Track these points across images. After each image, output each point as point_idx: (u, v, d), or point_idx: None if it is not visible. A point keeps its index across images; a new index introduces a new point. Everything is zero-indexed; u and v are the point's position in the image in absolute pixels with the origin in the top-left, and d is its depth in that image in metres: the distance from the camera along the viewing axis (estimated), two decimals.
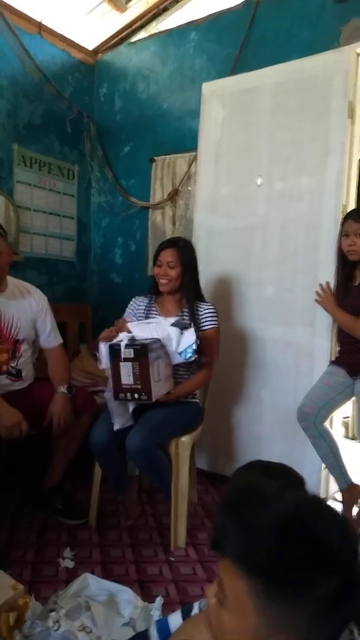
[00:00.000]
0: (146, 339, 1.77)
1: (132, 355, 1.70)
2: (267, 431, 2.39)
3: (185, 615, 0.97)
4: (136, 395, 1.72)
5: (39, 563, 1.77)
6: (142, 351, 1.69)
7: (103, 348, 1.80)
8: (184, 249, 1.99)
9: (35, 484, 2.16)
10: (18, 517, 2.09)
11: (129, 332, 1.84)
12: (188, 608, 0.99)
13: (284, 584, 0.59)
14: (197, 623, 0.85)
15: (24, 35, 2.87)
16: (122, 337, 1.76)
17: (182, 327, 1.89)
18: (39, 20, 2.97)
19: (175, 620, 0.98)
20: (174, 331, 1.87)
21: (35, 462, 2.24)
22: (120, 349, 1.71)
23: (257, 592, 0.60)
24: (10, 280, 2.05)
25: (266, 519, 0.60)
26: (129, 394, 1.73)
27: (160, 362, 1.77)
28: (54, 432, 1.91)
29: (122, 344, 1.71)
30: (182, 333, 1.87)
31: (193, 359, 1.84)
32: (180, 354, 1.85)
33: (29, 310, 2.05)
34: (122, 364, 1.71)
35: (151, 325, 1.91)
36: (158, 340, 1.80)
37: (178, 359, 1.86)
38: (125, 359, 1.70)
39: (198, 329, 1.96)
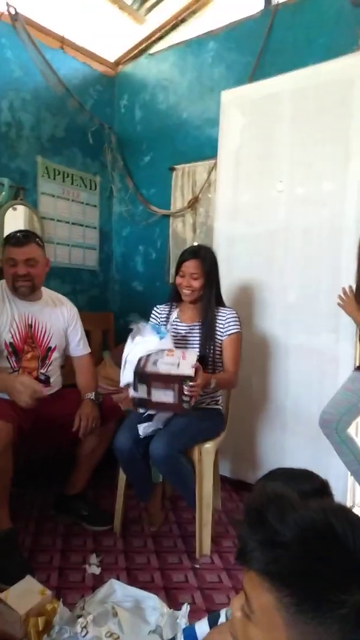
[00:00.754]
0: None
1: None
2: (290, 439, 2.37)
3: (212, 623, 0.98)
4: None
5: (65, 568, 1.79)
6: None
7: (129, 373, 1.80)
8: (206, 259, 2.00)
9: (58, 490, 2.18)
10: (42, 522, 2.11)
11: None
12: (215, 616, 0.99)
13: (312, 596, 0.57)
14: (223, 632, 0.85)
15: (47, 50, 2.95)
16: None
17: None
18: (62, 35, 3.05)
19: (202, 628, 0.99)
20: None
21: (58, 467, 2.26)
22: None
23: (286, 605, 0.58)
24: (44, 290, 2.12)
25: (291, 528, 0.59)
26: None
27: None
28: (81, 433, 1.93)
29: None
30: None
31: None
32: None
33: (61, 319, 2.11)
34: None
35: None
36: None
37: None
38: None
39: (213, 336, 2.00)
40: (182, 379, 1.71)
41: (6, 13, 2.69)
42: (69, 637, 1.34)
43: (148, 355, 1.79)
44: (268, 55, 2.69)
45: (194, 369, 1.73)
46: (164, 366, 1.75)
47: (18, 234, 1.99)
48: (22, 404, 1.73)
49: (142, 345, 1.83)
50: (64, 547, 1.93)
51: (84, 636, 1.33)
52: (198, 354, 1.88)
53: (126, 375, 1.82)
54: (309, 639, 0.59)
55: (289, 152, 2.33)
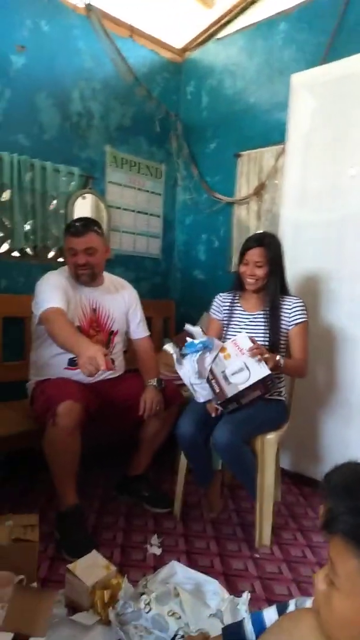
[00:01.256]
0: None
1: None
2: (355, 435, 2.29)
3: (281, 611, 0.97)
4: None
5: (127, 547, 1.84)
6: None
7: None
8: (270, 246, 1.97)
9: (121, 471, 2.25)
10: (106, 501, 2.19)
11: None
12: (284, 605, 0.98)
13: None
14: (294, 618, 0.84)
15: (117, 39, 2.98)
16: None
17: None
18: (131, 24, 3.07)
19: (270, 615, 0.98)
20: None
21: (121, 449, 2.33)
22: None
23: None
24: (106, 275, 2.17)
25: None
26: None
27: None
28: (145, 415, 1.98)
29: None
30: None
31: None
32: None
33: (122, 303, 2.16)
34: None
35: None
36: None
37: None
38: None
39: (279, 324, 1.99)
40: (263, 380, 1.74)
41: (81, 5, 2.74)
42: (132, 612, 1.38)
43: (213, 375, 1.80)
44: (343, 34, 2.57)
45: (263, 363, 1.75)
46: (238, 378, 1.77)
47: (77, 224, 2.03)
48: (84, 372, 1.62)
49: (192, 366, 1.84)
50: (126, 527, 1.99)
51: (147, 612, 1.37)
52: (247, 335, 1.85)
53: (202, 394, 1.88)
54: None
55: None
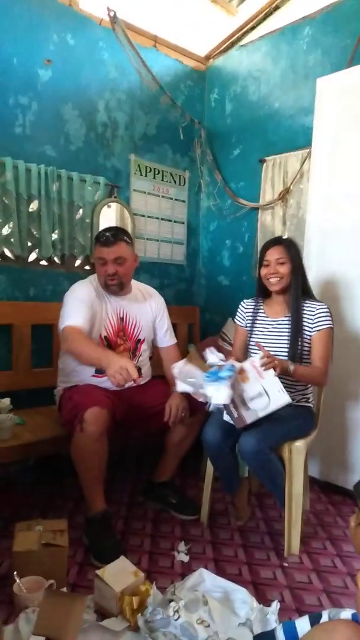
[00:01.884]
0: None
1: None
2: None
3: (314, 622, 0.96)
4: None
5: (155, 553, 1.85)
6: None
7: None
8: (290, 245, 1.97)
9: (146, 477, 2.26)
10: (133, 507, 2.20)
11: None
12: (317, 616, 0.97)
13: None
14: (328, 630, 0.83)
15: (141, 50, 3.02)
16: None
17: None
18: (154, 34, 3.11)
19: (302, 625, 0.97)
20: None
21: (146, 455, 2.34)
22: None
23: None
24: (134, 283, 2.20)
25: None
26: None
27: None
28: (171, 421, 1.98)
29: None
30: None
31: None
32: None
33: (150, 312, 2.18)
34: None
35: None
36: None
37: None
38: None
39: (302, 329, 1.95)
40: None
41: (106, 18, 2.79)
42: (161, 618, 1.38)
43: (234, 404, 1.74)
44: None
45: (283, 391, 1.73)
46: (257, 404, 1.74)
47: (107, 233, 2.04)
48: (114, 382, 1.65)
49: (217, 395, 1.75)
50: (154, 533, 2.00)
51: (176, 620, 1.36)
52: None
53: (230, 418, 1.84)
54: None
55: None
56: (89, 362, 1.83)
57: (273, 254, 1.96)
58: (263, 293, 2.08)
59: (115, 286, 2.05)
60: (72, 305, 1.97)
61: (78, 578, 1.68)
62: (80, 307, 1.96)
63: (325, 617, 0.95)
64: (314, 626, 0.95)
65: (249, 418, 1.74)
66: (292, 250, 1.96)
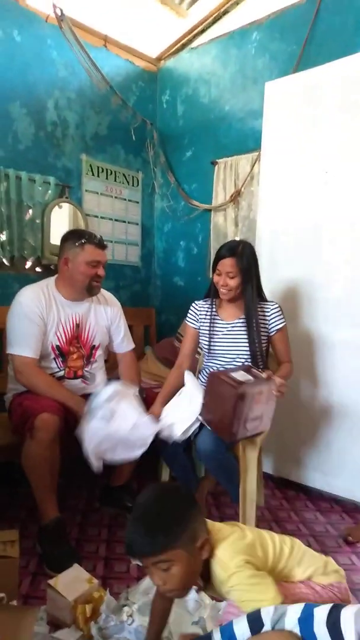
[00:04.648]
0: None
1: None
2: (337, 437, 2.32)
3: (253, 626, 0.96)
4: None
5: (111, 559, 1.82)
6: None
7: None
8: (243, 256, 1.93)
9: (103, 482, 2.23)
10: (88, 514, 2.17)
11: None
12: (256, 618, 0.97)
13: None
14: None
15: (91, 49, 2.99)
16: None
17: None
18: (104, 34, 3.08)
19: (241, 627, 0.97)
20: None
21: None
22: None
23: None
24: None
25: None
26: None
27: None
28: None
29: None
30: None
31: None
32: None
33: (105, 317, 2.15)
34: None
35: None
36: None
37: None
38: None
39: (260, 331, 1.98)
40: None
41: (53, 15, 2.74)
42: (114, 625, 1.37)
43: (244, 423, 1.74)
44: (314, 44, 2.62)
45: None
46: (252, 425, 1.77)
47: (98, 236, 2.02)
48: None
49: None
50: (109, 538, 1.97)
51: (130, 624, 1.35)
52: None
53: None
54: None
55: (337, 143, 2.26)
56: (55, 399, 1.84)
57: (225, 266, 1.93)
58: (216, 294, 2.09)
59: (98, 289, 2.05)
60: (20, 329, 1.91)
61: (31, 589, 1.63)
62: (29, 330, 1.90)
63: (267, 624, 0.95)
64: (251, 625, 0.96)
65: (241, 435, 1.75)
66: (244, 261, 1.93)
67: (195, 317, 2.12)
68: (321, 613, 0.92)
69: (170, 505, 1.12)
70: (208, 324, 2.07)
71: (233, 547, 1.15)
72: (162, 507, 1.12)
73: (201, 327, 2.10)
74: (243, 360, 1.98)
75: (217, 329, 2.06)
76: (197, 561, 1.11)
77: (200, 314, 2.11)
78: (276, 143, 2.49)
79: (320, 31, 2.59)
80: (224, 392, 1.66)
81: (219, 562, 1.13)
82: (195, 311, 2.13)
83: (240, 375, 1.72)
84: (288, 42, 2.73)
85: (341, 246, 2.27)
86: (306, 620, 0.92)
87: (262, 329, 1.99)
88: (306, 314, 2.41)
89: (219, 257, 1.97)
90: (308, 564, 1.23)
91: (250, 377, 1.73)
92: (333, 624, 0.90)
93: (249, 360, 1.98)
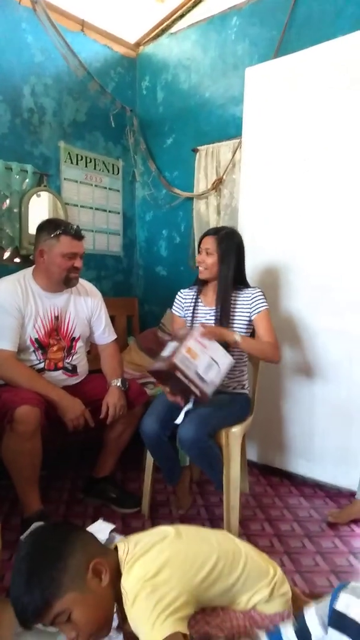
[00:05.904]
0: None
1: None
2: (319, 423, 2.34)
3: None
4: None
5: None
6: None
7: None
8: (224, 238, 1.97)
9: (87, 473, 2.21)
10: (72, 505, 2.15)
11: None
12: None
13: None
14: None
15: (68, 34, 2.92)
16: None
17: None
18: (82, 18, 3.01)
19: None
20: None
21: (87, 451, 2.30)
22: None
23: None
24: None
25: None
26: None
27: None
28: (108, 421, 1.95)
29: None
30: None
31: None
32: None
33: (85, 308, 2.11)
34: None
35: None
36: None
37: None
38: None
39: (228, 316, 1.98)
40: None
41: None
42: None
43: (190, 380, 1.71)
44: (294, 29, 2.60)
45: (224, 352, 1.78)
46: (211, 375, 1.75)
47: (74, 226, 1.96)
48: (71, 426, 1.83)
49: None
50: None
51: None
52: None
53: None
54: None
55: (317, 128, 2.25)
56: (35, 391, 1.81)
57: (205, 244, 1.99)
58: (201, 281, 2.09)
59: (76, 280, 2.00)
60: None
61: None
62: (6, 323, 1.87)
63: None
64: None
65: (210, 390, 1.74)
66: (223, 242, 1.96)
67: (180, 305, 2.12)
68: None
69: (39, 553, 1.00)
70: (192, 311, 2.07)
71: (143, 568, 0.99)
72: (31, 559, 0.99)
73: (186, 315, 2.09)
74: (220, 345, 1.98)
75: (200, 314, 2.06)
76: (97, 593, 0.98)
77: (185, 302, 2.11)
78: (257, 130, 2.47)
79: (300, 16, 2.57)
80: (164, 373, 1.72)
81: (123, 589, 0.99)
82: (181, 300, 2.13)
83: (169, 349, 1.76)
84: (268, 27, 2.70)
85: (322, 233, 2.27)
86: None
87: (244, 314, 1.99)
88: (288, 301, 2.41)
89: (202, 236, 2.03)
90: (255, 590, 1.10)
91: (175, 343, 1.75)
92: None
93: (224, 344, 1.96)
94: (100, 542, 1.09)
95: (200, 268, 2.01)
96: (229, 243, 1.97)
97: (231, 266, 1.97)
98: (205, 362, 1.75)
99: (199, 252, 2.03)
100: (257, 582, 1.11)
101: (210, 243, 1.96)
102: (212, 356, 1.76)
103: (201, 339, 1.77)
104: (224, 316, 1.96)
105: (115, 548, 1.09)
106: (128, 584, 0.98)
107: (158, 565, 0.99)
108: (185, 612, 0.95)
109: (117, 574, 1.03)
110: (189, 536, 1.12)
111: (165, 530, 1.13)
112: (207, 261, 1.97)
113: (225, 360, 1.78)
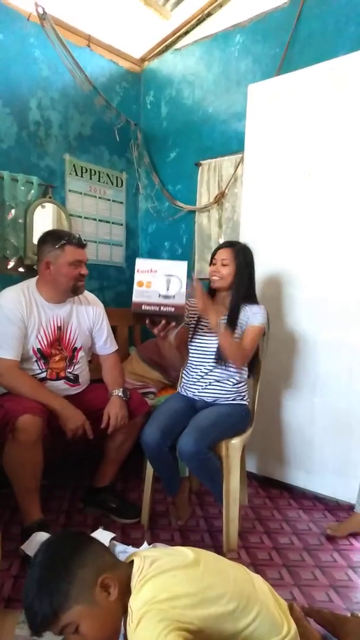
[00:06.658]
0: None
1: None
2: (319, 435, 2.35)
3: None
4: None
5: None
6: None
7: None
8: (240, 251, 2.04)
9: (87, 483, 2.22)
10: (72, 515, 2.16)
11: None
12: None
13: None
14: None
15: (74, 49, 2.98)
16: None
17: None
18: (88, 34, 3.07)
19: None
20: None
21: (87, 461, 2.30)
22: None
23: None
24: None
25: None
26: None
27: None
28: (109, 431, 1.96)
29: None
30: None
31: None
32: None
33: (87, 319, 2.13)
34: None
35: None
36: None
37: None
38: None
39: (235, 327, 1.99)
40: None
41: (35, 13, 2.72)
42: None
43: (163, 304, 1.74)
44: (296, 47, 2.65)
45: (175, 262, 1.76)
46: (174, 288, 1.73)
47: (76, 235, 2.01)
48: (71, 435, 1.85)
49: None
50: None
51: None
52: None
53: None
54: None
55: (318, 145, 2.29)
56: (38, 401, 1.83)
57: (220, 255, 2.05)
58: (210, 292, 2.12)
59: (83, 288, 2.04)
60: (0, 331, 1.89)
61: (13, 592, 1.61)
62: (9, 332, 1.89)
63: None
64: None
65: (181, 300, 1.71)
66: (239, 255, 2.03)
67: (186, 312, 2.13)
68: None
69: (50, 562, 1.01)
70: (196, 320, 2.10)
71: (152, 591, 0.96)
72: (42, 567, 1.00)
73: (190, 323, 2.12)
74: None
75: (203, 324, 2.08)
76: (105, 607, 0.98)
77: (191, 311, 2.12)
78: (259, 145, 2.51)
79: (303, 34, 2.63)
80: (137, 316, 1.81)
81: (130, 608, 0.97)
82: (188, 308, 2.14)
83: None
84: (271, 45, 2.76)
85: (322, 247, 2.30)
86: None
87: (244, 326, 2.00)
88: (289, 315, 2.43)
89: (217, 248, 2.08)
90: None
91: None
92: None
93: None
94: (114, 555, 1.08)
95: (213, 278, 2.05)
96: (245, 259, 2.05)
97: (244, 279, 2.03)
98: (162, 282, 1.73)
99: (212, 263, 2.08)
100: (266, 636, 1.05)
101: (226, 254, 2.02)
102: (165, 273, 1.74)
103: (146, 267, 1.76)
104: (231, 324, 1.98)
105: (132, 562, 1.08)
106: (135, 604, 0.97)
107: (168, 591, 0.98)
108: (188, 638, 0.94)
109: (127, 589, 1.02)
110: (207, 565, 1.09)
111: (184, 554, 1.11)
112: (222, 271, 2.02)
113: (179, 267, 1.73)
